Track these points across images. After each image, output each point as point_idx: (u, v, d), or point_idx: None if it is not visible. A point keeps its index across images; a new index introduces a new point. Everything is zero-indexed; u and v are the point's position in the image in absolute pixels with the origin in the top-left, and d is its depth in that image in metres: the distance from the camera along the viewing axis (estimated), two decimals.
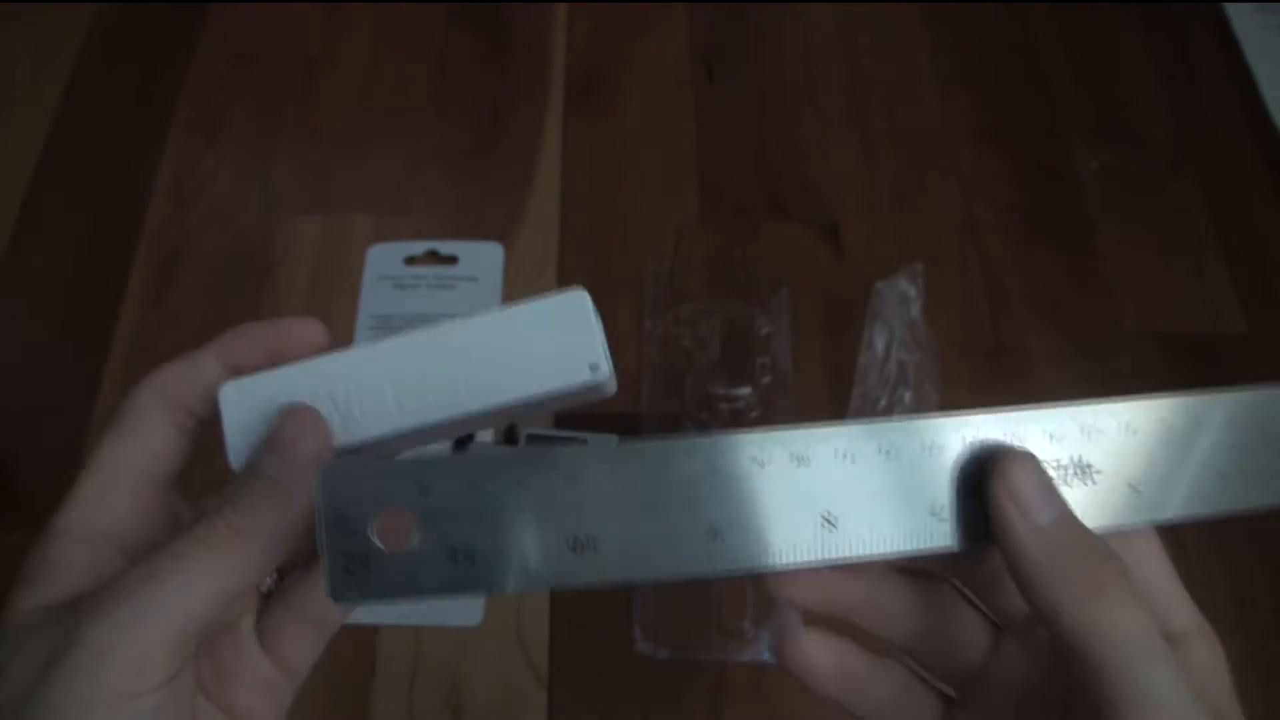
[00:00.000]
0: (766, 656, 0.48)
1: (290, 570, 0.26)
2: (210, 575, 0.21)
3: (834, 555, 0.22)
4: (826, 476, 0.22)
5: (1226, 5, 0.69)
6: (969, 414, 0.22)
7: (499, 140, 0.64)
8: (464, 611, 0.50)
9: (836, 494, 0.22)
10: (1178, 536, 0.55)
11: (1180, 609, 0.23)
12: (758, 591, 0.49)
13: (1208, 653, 0.23)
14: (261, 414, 0.24)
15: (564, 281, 0.59)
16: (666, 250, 0.60)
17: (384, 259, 0.59)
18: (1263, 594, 0.50)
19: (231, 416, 0.24)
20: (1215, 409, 0.23)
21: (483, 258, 0.59)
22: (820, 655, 0.25)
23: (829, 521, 0.22)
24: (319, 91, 0.66)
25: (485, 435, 0.24)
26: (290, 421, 0.23)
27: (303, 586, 0.25)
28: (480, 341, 0.23)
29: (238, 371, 0.25)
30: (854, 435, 0.22)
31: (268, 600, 0.26)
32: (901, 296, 0.56)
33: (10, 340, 0.57)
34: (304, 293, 0.58)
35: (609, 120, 0.65)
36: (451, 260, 0.59)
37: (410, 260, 0.59)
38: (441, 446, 0.24)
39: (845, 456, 0.22)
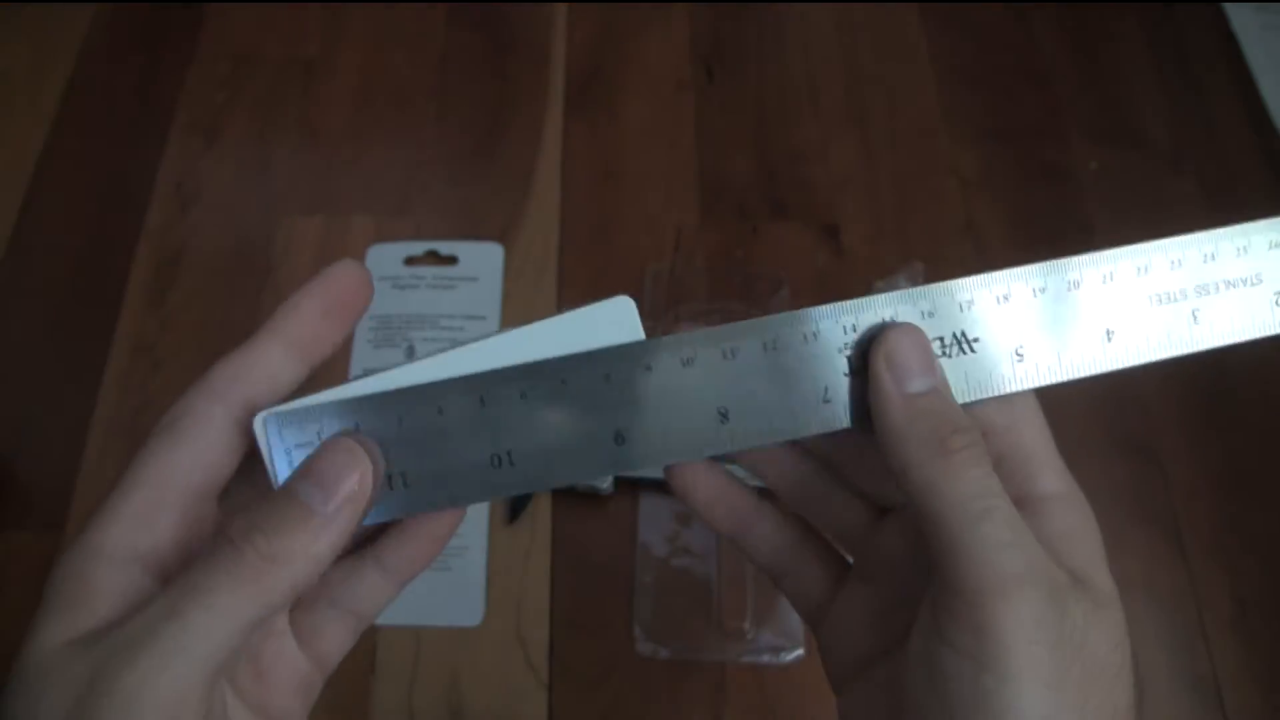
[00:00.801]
0: (766, 658, 0.48)
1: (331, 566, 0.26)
2: (237, 610, 0.20)
3: (731, 446, 0.23)
4: (715, 375, 0.23)
5: (1226, 5, 0.69)
6: (844, 303, 0.24)
7: (499, 140, 0.64)
8: (464, 611, 0.50)
9: (727, 390, 0.23)
10: (1177, 538, 0.55)
11: (1051, 473, 0.24)
12: (758, 593, 0.49)
13: (1074, 516, 0.23)
14: (308, 439, 0.23)
15: (564, 281, 0.59)
16: (666, 250, 0.60)
17: (384, 259, 0.59)
18: (1263, 595, 0.50)
19: (275, 443, 0.23)
20: (1087, 269, 0.24)
21: (483, 258, 0.59)
22: (705, 481, 0.27)
23: (723, 415, 0.23)
24: (319, 92, 0.66)
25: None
26: (334, 452, 0.21)
27: (347, 582, 0.25)
28: (528, 350, 0.23)
29: (301, 347, 0.23)
30: (736, 333, 0.23)
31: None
32: None
33: (10, 340, 0.57)
34: None
35: (609, 120, 0.65)
36: (451, 260, 0.59)
37: (410, 260, 0.59)
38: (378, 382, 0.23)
39: (730, 354, 0.23)
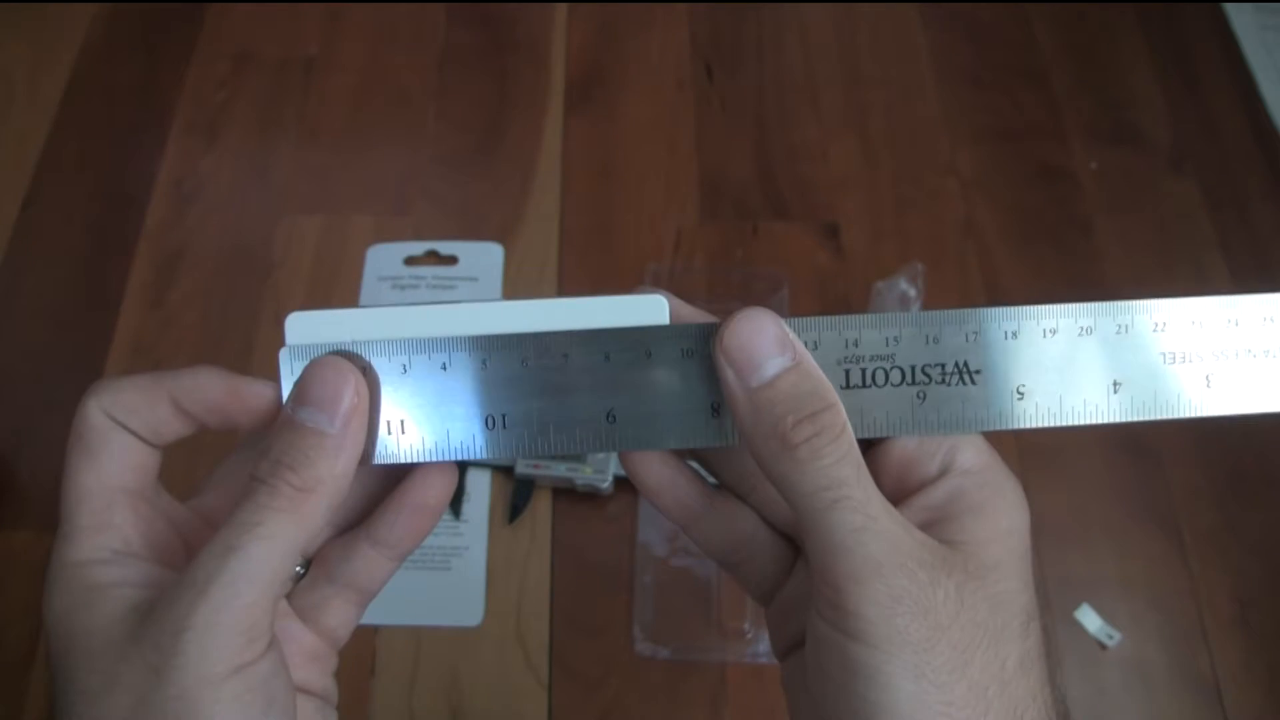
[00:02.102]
0: (765, 658, 0.48)
1: (324, 545, 0.27)
2: (285, 536, 0.22)
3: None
4: (711, 369, 0.23)
5: (1226, 5, 0.69)
6: (846, 316, 0.23)
7: (499, 140, 0.64)
8: (464, 611, 0.50)
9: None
10: (1177, 538, 0.55)
11: (970, 449, 0.24)
12: None
13: (986, 492, 0.23)
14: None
15: (564, 281, 0.59)
16: (666, 250, 0.60)
17: (384, 259, 0.59)
18: (1263, 595, 0.50)
19: (296, 344, 0.24)
20: (1103, 318, 0.23)
21: (483, 258, 0.59)
22: (656, 468, 0.26)
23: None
24: (319, 91, 0.66)
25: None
26: (324, 370, 0.23)
27: (345, 560, 0.26)
28: (555, 313, 0.24)
29: (183, 409, 0.24)
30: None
31: (299, 580, 0.26)
32: (901, 296, 0.56)
33: (10, 340, 0.57)
34: (303, 293, 0.58)
35: (609, 120, 0.65)
36: (451, 260, 0.59)
37: (410, 260, 0.59)
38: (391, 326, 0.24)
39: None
